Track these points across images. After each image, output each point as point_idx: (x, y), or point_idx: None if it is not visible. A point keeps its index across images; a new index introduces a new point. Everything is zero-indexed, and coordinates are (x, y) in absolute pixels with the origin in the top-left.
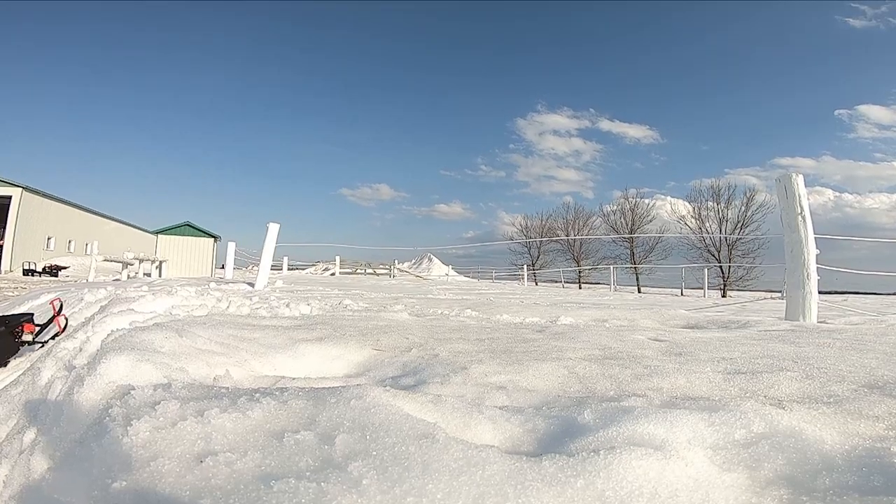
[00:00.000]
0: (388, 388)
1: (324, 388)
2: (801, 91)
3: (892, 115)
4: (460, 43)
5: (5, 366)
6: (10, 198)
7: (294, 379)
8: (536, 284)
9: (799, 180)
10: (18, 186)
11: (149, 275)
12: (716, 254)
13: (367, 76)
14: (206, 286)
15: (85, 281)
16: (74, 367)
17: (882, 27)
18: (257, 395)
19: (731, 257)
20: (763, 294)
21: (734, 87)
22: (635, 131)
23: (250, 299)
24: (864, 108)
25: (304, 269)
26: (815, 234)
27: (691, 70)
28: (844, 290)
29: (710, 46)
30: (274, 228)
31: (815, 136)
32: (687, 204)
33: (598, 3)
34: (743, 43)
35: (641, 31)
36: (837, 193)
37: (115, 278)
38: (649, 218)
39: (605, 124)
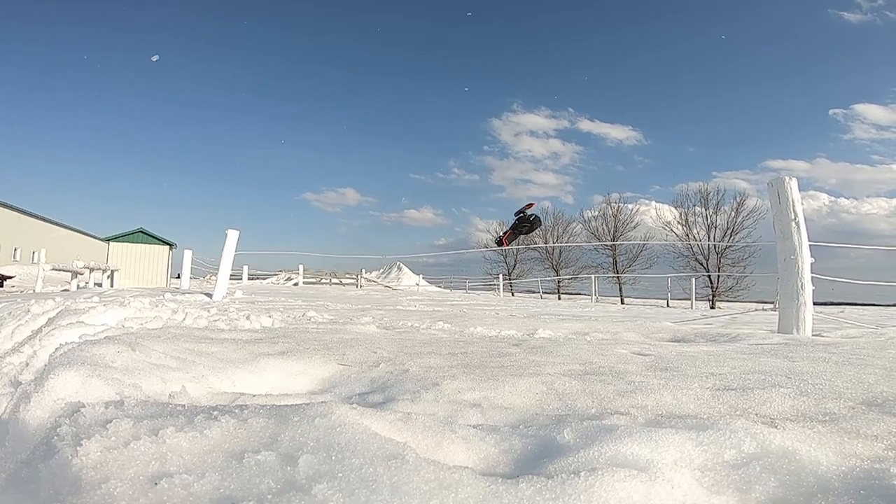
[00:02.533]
0: (354, 405)
1: (286, 405)
2: (794, 90)
3: (890, 115)
4: (431, 40)
5: None
6: None
7: (255, 396)
8: (513, 295)
9: (792, 184)
10: None
11: (100, 285)
12: (704, 262)
13: (330, 76)
14: (161, 297)
15: (32, 291)
16: (20, 384)
17: (879, 21)
18: (215, 412)
19: (721, 266)
20: (754, 305)
21: (723, 87)
22: (618, 132)
23: (208, 311)
24: (861, 108)
25: (265, 279)
26: (809, 241)
27: (677, 68)
28: (841, 300)
29: (696, 44)
30: (233, 235)
31: (809, 138)
32: (673, 209)
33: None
34: (732, 40)
35: (623, 27)
36: (833, 198)
37: (63, 289)
38: (633, 224)
39: (586, 125)
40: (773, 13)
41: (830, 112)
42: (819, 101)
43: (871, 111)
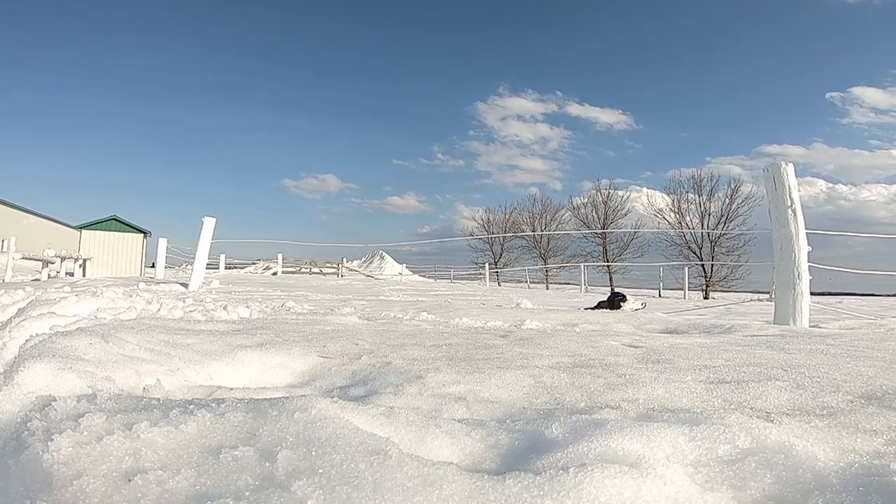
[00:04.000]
0: (335, 399)
1: (265, 399)
2: (789, 72)
3: (889, 99)
4: (414, 21)
5: None
6: None
7: (232, 389)
8: (500, 285)
9: (789, 170)
10: None
11: (72, 274)
12: (697, 251)
13: (310, 58)
14: (136, 287)
15: (1, 281)
16: None
17: (877, 1)
18: (191, 406)
19: (715, 255)
20: (749, 295)
21: (716, 70)
22: (607, 116)
23: (184, 301)
24: (859, 91)
25: (242, 268)
26: (806, 229)
27: (669, 51)
28: (839, 291)
29: (688, 25)
30: (209, 223)
31: (805, 122)
32: (665, 196)
33: None
34: (725, 22)
35: (612, 7)
36: (830, 184)
37: (34, 278)
38: (624, 211)
39: (574, 108)
40: None
41: (827, 95)
42: (815, 85)
43: (870, 94)
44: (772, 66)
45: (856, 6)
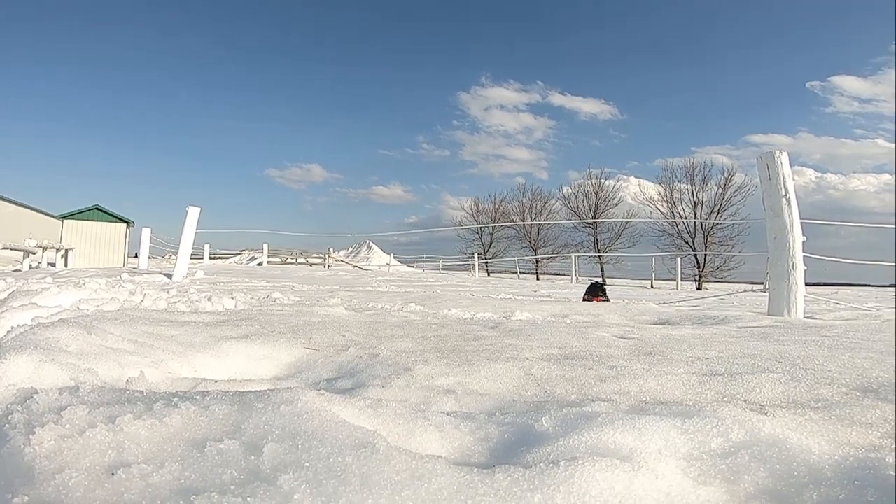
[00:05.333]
0: (322, 391)
1: (250, 391)
2: (770, 62)
3: (871, 88)
4: (396, 11)
5: None
6: None
7: (217, 381)
8: (489, 275)
9: (783, 159)
10: None
11: (53, 264)
12: (690, 241)
13: (294, 47)
14: (118, 277)
15: None
16: None
17: None
18: (175, 399)
19: (707, 245)
20: (743, 286)
21: (697, 59)
22: (590, 106)
23: (167, 292)
24: (839, 80)
25: (227, 259)
26: (800, 218)
27: (650, 41)
28: (834, 281)
29: (670, 15)
30: (193, 213)
31: (789, 111)
32: (658, 186)
33: None
34: (708, 12)
35: None
36: (819, 174)
37: (14, 269)
38: (615, 201)
39: (557, 98)
40: None
41: (808, 84)
42: (795, 73)
43: (850, 83)
44: (752, 55)
45: None
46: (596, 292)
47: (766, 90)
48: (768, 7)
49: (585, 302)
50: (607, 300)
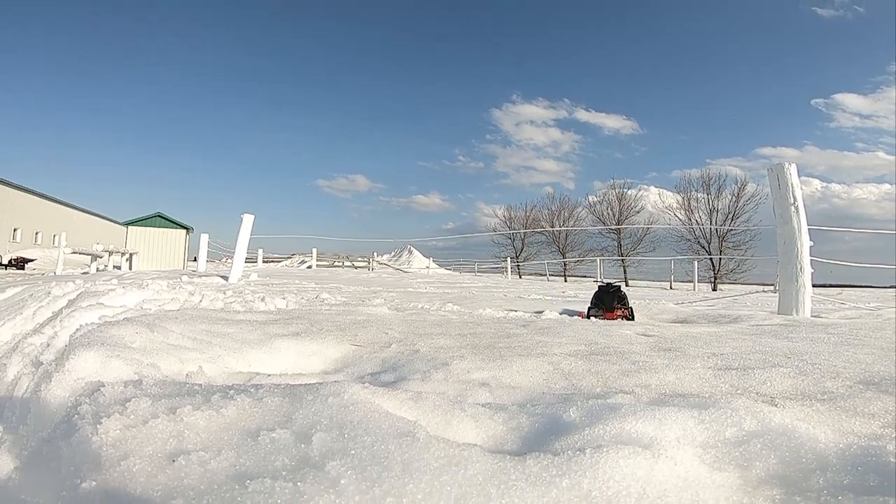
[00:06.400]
0: (366, 384)
1: (300, 384)
2: (777, 81)
3: (871, 105)
4: (434, 33)
5: None
6: None
7: (269, 375)
8: (520, 277)
9: (792, 170)
10: None
11: (119, 267)
12: (706, 246)
13: (340, 67)
14: (178, 279)
15: (53, 274)
16: (42, 364)
17: (850, 16)
18: (231, 392)
19: (722, 249)
20: (755, 287)
21: (710, 77)
22: (613, 122)
23: (224, 293)
24: (841, 97)
25: (279, 262)
26: (807, 225)
27: (666, 60)
28: (839, 283)
29: (686, 37)
30: (248, 220)
31: (796, 126)
32: (676, 195)
33: None
34: (717, 33)
35: (613, 21)
36: (825, 183)
37: (83, 271)
38: (637, 209)
39: (582, 115)
40: (752, 6)
41: (812, 101)
42: (800, 91)
43: (851, 100)
44: (761, 74)
45: (831, 21)
46: (609, 302)
47: (774, 107)
48: (776, 30)
49: (594, 319)
50: (630, 316)
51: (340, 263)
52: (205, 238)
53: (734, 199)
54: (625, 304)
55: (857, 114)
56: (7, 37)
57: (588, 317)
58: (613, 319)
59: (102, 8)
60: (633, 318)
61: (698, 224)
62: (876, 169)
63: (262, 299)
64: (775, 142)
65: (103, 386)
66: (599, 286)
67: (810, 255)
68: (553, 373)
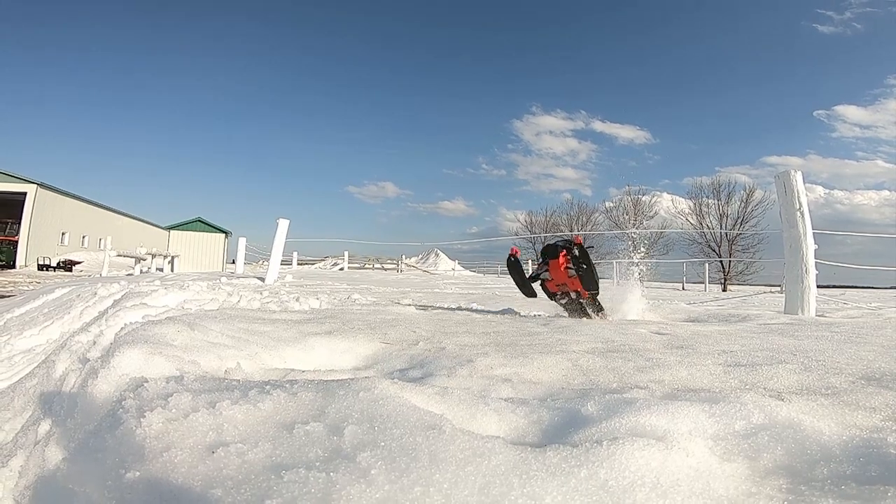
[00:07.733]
0: (395, 380)
1: (333, 380)
2: (781, 93)
3: (870, 116)
4: (458, 47)
5: None
6: (25, 194)
7: (304, 371)
8: None
9: (798, 177)
10: (33, 183)
11: (161, 269)
12: (716, 249)
13: (370, 79)
14: (218, 281)
15: (98, 276)
16: (88, 360)
17: (849, 33)
18: (268, 387)
19: (732, 252)
20: (763, 288)
21: (718, 90)
22: (627, 132)
23: (261, 294)
24: (841, 109)
25: (313, 264)
26: (812, 229)
27: (677, 74)
28: (842, 284)
29: (693, 53)
30: (284, 224)
31: (799, 136)
32: (688, 201)
33: (585, 12)
34: (725, 49)
35: (628, 38)
36: (828, 190)
37: (127, 273)
38: (650, 214)
39: (598, 125)
40: (757, 23)
41: (815, 113)
42: (803, 103)
43: (851, 112)
44: (766, 88)
45: (832, 36)
46: (552, 251)
47: (778, 118)
48: (780, 46)
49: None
50: (592, 284)
51: (371, 266)
52: (242, 241)
53: (743, 204)
54: (580, 261)
55: (857, 124)
56: (48, 49)
57: (535, 278)
58: (560, 268)
59: (142, 19)
60: (597, 290)
61: (709, 228)
62: (876, 176)
63: (297, 299)
64: (780, 151)
65: (146, 381)
66: (546, 245)
67: (815, 258)
68: (572, 369)
